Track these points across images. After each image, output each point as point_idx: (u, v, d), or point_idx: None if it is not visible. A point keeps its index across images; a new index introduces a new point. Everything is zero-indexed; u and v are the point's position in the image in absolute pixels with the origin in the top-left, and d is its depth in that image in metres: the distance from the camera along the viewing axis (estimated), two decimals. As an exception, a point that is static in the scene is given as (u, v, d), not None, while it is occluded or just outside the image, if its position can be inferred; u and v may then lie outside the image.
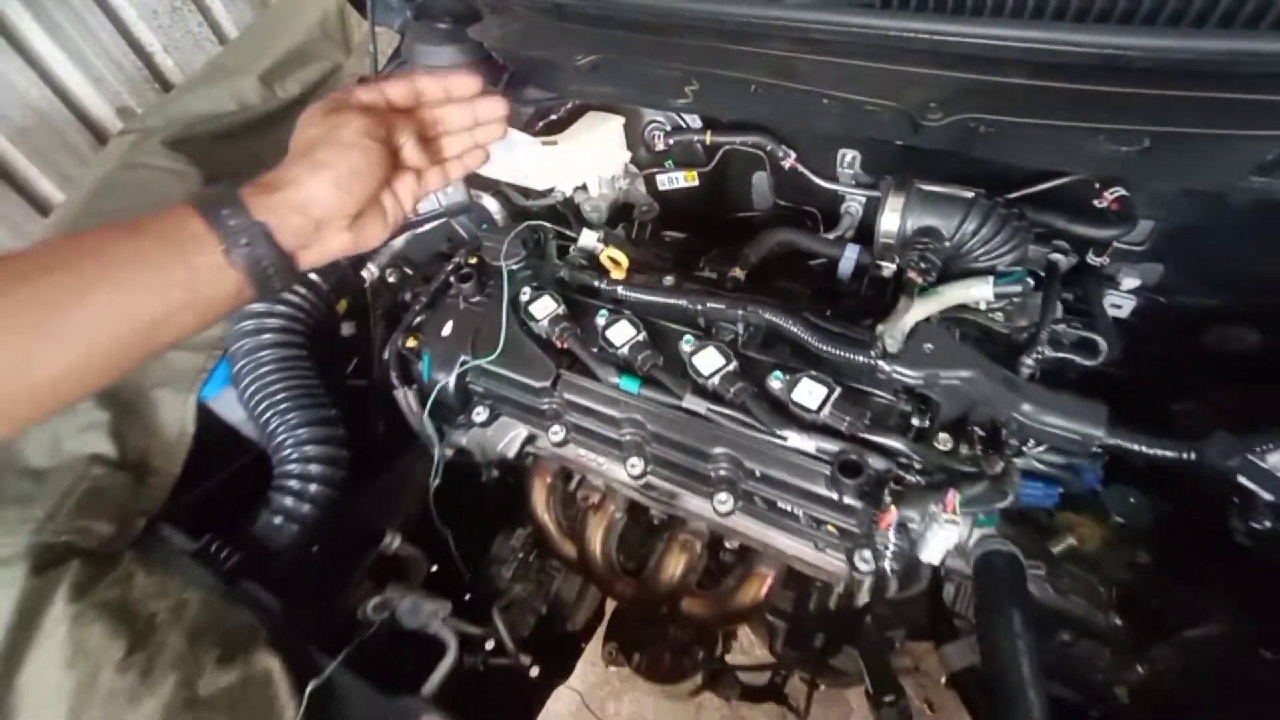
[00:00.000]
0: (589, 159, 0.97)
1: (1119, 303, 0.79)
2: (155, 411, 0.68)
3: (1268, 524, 0.52)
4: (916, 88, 0.54)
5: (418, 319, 0.80)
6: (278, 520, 0.68)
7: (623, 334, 0.69)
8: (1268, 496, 0.51)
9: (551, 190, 0.98)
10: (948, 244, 0.62)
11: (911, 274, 0.60)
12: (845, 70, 0.55)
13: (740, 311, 0.67)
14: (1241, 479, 0.52)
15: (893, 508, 0.55)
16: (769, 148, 0.94)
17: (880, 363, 0.59)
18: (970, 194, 0.62)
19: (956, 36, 0.48)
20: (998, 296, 0.65)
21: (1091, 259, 0.70)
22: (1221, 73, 0.45)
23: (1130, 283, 0.77)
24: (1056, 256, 0.67)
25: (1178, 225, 0.71)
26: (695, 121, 0.99)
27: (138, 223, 0.40)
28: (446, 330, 0.78)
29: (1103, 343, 0.61)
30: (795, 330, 0.64)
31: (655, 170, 1.05)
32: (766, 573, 0.72)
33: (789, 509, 0.64)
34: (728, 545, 0.75)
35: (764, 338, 0.70)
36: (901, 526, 0.58)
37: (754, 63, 0.59)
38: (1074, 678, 0.62)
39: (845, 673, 0.80)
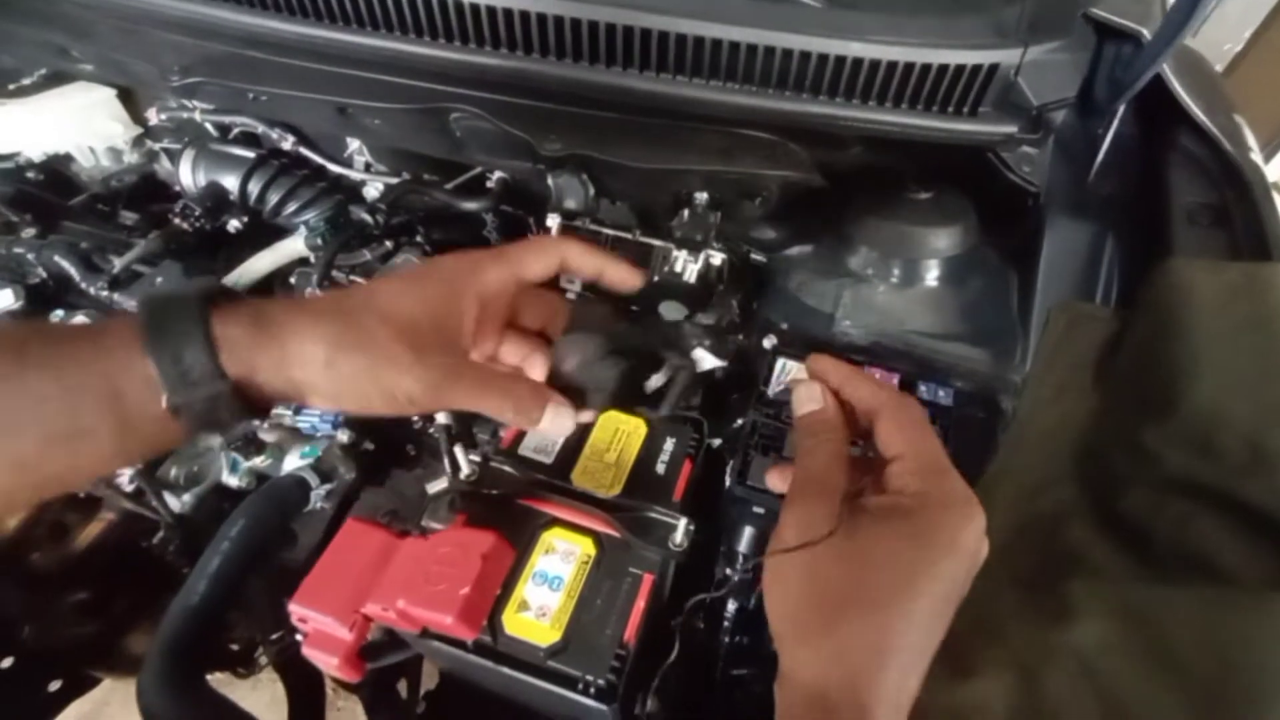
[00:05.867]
0: (60, 126, 0.96)
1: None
2: None
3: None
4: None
5: None
6: None
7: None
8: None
9: (16, 155, 0.96)
10: (232, 197, 0.70)
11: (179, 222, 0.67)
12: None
13: (34, 255, 0.69)
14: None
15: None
16: (260, 129, 1.00)
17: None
18: (253, 155, 0.70)
19: None
20: (310, 247, 0.74)
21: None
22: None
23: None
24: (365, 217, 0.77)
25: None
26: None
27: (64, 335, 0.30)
28: None
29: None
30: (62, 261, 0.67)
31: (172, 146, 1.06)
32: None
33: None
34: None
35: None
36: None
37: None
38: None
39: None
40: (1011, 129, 0.61)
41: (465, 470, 0.52)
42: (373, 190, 0.97)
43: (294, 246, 0.73)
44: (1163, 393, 0.46)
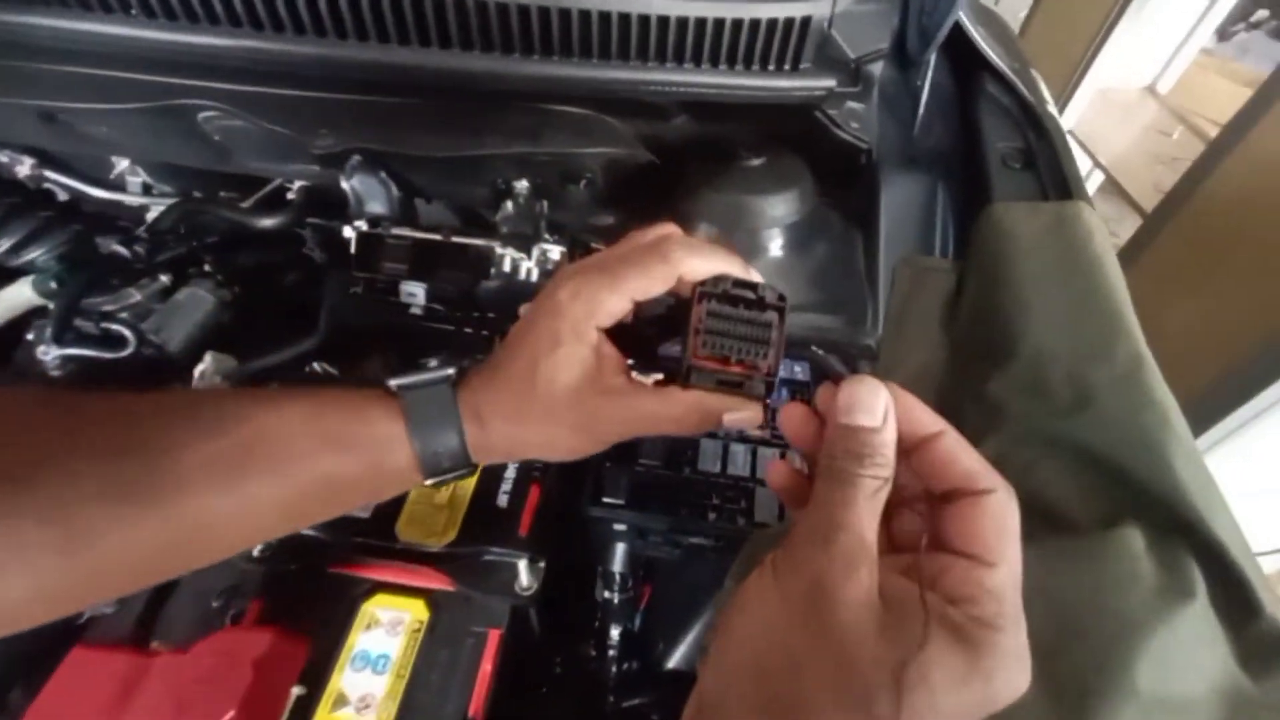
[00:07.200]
0: None
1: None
2: None
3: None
4: None
5: None
6: None
7: None
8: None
9: None
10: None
11: None
12: None
13: None
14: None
15: None
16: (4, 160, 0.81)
17: None
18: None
19: None
20: (42, 293, 0.59)
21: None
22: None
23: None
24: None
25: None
26: None
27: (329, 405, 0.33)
28: None
29: (129, 334, 0.58)
30: None
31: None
32: None
33: None
34: None
35: None
36: None
37: None
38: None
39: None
40: (831, 83, 0.59)
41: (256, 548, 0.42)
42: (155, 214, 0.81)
43: (20, 295, 0.58)
44: (999, 340, 0.45)
